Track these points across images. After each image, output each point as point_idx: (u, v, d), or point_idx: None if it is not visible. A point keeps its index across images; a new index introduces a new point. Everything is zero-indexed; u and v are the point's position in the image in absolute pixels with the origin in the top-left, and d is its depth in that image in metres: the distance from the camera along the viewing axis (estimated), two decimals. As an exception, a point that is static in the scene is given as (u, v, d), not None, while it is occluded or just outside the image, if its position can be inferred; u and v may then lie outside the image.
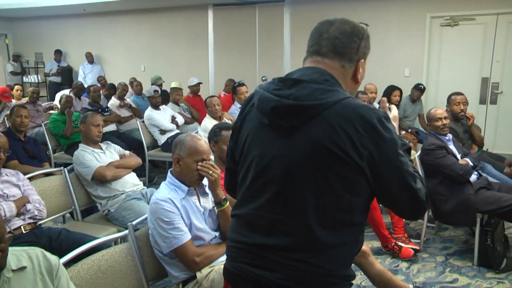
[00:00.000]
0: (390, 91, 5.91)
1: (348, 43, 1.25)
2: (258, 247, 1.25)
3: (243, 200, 1.32)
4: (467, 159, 3.42)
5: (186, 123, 6.01)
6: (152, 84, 7.14)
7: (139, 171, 4.42)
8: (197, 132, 4.72)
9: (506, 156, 4.93)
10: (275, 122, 1.22)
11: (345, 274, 1.26)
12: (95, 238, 2.18)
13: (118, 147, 3.62)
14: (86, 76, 9.34)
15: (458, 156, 3.46)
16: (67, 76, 9.68)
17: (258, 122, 1.27)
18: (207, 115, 4.87)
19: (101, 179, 3.21)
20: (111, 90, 6.82)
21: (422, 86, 6.18)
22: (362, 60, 1.29)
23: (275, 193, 1.22)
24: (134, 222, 2.10)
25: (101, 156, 3.37)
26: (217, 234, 2.16)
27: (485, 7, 6.35)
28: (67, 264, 1.77)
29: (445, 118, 3.50)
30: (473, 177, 3.38)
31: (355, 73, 1.28)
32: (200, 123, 5.33)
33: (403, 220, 3.58)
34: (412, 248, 3.38)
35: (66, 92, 7.15)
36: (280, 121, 1.20)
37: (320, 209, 1.18)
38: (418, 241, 3.54)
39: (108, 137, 4.89)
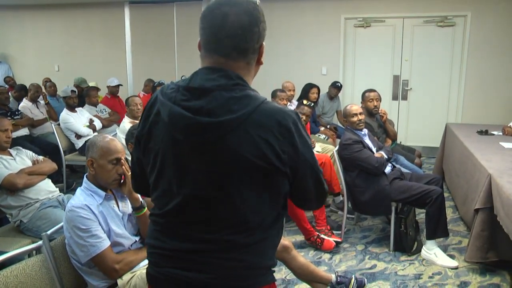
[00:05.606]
0: (308, 88, 6.07)
1: (250, 36, 1.16)
2: (181, 252, 1.22)
3: (160, 207, 1.27)
4: (382, 152, 3.63)
5: (104, 126, 5.77)
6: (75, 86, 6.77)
7: (56, 177, 4.18)
8: (115, 134, 4.56)
9: (417, 148, 5.32)
10: (190, 138, 1.16)
11: (271, 264, 1.30)
12: (3, 253, 2.01)
13: (30, 153, 3.40)
14: (-10, 76, 8.62)
15: (374, 149, 3.65)
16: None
17: (171, 138, 1.19)
18: (126, 116, 4.73)
19: (11, 187, 2.99)
20: (22, 91, 6.37)
21: (339, 84, 6.44)
22: (264, 43, 1.23)
23: (198, 205, 1.19)
24: (49, 232, 1.97)
25: (11, 163, 3.14)
26: (137, 239, 2.10)
27: (392, 10, 6.79)
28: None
29: (360, 114, 3.68)
30: (388, 169, 3.60)
31: (259, 58, 1.24)
32: (119, 124, 5.15)
33: (324, 213, 3.72)
34: (334, 240, 3.52)
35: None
36: (196, 137, 1.15)
37: (245, 214, 1.18)
38: (339, 232, 3.70)
39: (19, 142, 4.59)
